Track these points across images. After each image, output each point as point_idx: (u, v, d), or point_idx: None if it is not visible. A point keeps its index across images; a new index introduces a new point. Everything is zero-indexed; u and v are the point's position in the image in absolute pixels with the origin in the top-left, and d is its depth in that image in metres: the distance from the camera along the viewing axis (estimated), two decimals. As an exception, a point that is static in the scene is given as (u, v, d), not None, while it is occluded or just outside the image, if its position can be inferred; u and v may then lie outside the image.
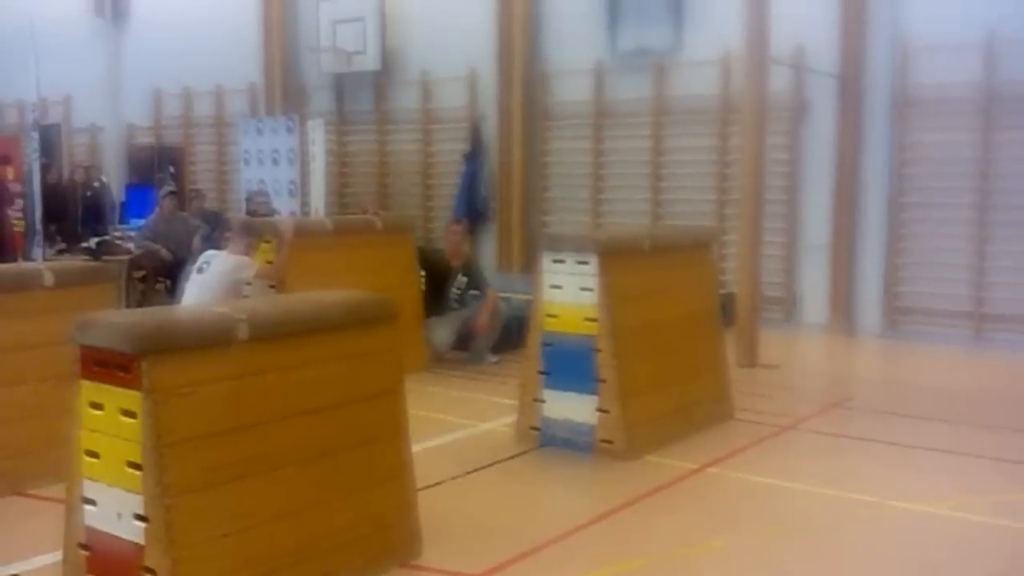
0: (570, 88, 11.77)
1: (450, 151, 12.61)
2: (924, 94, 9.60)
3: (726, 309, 7.88)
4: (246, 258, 6.74)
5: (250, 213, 10.42)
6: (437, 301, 8.23)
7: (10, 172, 12.53)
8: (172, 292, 10.33)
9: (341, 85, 13.60)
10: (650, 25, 11.10)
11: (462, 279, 8.32)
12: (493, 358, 8.20)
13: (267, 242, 7.14)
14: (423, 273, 8.32)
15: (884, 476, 5.32)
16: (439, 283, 8.27)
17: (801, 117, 10.31)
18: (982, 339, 9.44)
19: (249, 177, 13.19)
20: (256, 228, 7.22)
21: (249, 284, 6.98)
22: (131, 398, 3.19)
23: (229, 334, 3.40)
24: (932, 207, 9.71)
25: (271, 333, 3.54)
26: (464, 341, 8.31)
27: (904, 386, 7.89)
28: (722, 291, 8.12)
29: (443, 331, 8.18)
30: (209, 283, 6.54)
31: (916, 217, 9.82)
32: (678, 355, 6.17)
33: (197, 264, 6.81)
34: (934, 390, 7.59)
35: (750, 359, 8.19)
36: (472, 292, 8.32)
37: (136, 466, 3.19)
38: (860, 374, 8.75)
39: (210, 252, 6.88)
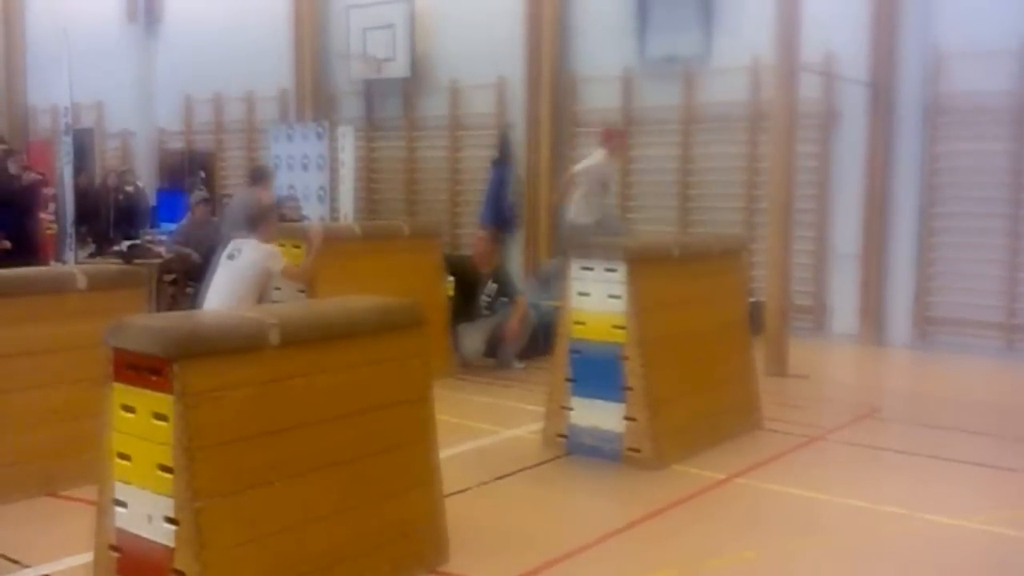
0: (599, 95, 11.76)
1: (478, 158, 12.62)
2: (956, 103, 9.51)
3: (755, 318, 7.84)
4: (276, 248, 6.81)
5: (279, 218, 10.48)
6: (467, 308, 8.24)
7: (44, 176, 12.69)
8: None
9: (371, 92, 13.67)
10: (679, 32, 11.07)
11: (492, 286, 8.33)
12: (520, 364, 8.20)
13: (296, 247, 7.20)
14: (452, 280, 8.33)
15: (915, 488, 5.26)
16: (469, 290, 8.29)
17: (831, 125, 10.24)
18: (1014, 350, 9.32)
19: (279, 183, 13.27)
20: (269, 210, 7.33)
21: (279, 288, 7.05)
22: (163, 401, 3.21)
23: (261, 339, 3.42)
24: (964, 217, 9.60)
25: (302, 338, 3.55)
26: (492, 347, 8.32)
27: (935, 398, 7.80)
28: (751, 299, 8.08)
29: (473, 338, 8.19)
30: (241, 271, 6.64)
31: (947, 227, 9.72)
32: (707, 364, 6.14)
33: (227, 251, 6.88)
34: (965, 402, 7.51)
35: (779, 368, 8.14)
36: (502, 299, 8.33)
37: (167, 469, 3.21)
38: (890, 385, 8.66)
39: (239, 240, 6.94)
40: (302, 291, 7.03)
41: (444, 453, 4.27)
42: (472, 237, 9.15)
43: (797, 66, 8.16)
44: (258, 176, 9.93)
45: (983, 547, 4.48)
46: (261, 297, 6.78)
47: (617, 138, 9.43)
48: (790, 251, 8.41)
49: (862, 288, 10.09)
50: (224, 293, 6.62)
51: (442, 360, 7.64)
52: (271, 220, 7.11)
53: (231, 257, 6.77)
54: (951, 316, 9.70)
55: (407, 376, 4.02)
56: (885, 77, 9.80)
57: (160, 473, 3.23)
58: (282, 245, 7.27)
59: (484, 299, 8.31)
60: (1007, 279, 9.36)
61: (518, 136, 12.26)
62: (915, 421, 6.90)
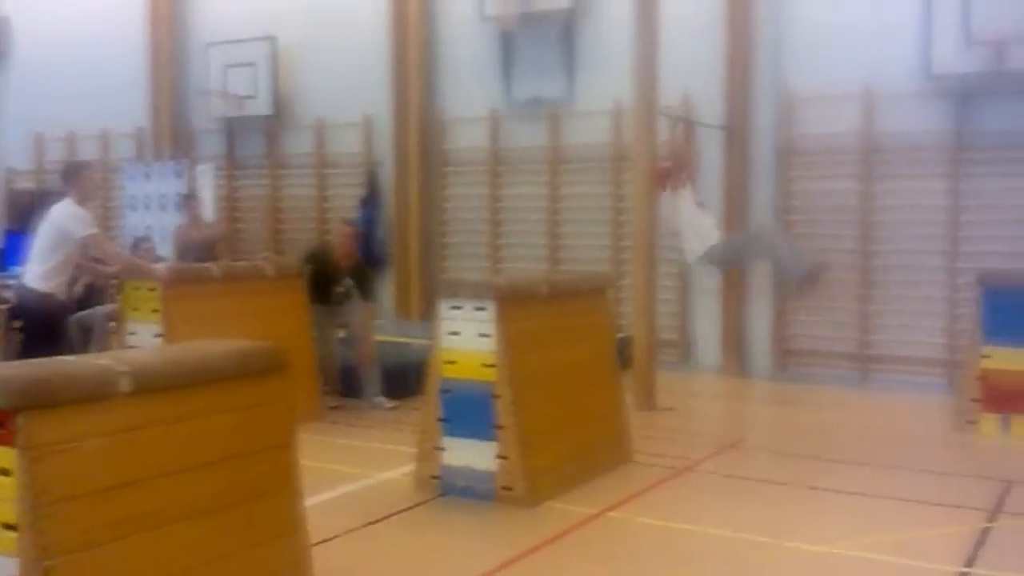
0: (467, 135, 11.85)
1: (346, 196, 12.50)
2: (807, 144, 9.97)
3: (623, 353, 7.96)
4: (83, 212, 6.63)
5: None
6: (322, 292, 8.13)
7: None
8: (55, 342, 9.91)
9: (232, 129, 13.39)
10: (543, 76, 11.29)
11: (349, 281, 8.24)
12: (389, 404, 8.08)
13: (152, 290, 6.94)
14: (310, 267, 8.16)
15: (780, 517, 5.40)
16: (325, 277, 8.15)
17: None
18: (868, 379, 9.77)
19: (135, 223, 12.83)
20: (83, 166, 7.18)
21: (134, 334, 6.80)
22: (6, 455, 3.00)
23: (111, 387, 3.23)
24: (817, 253, 10.02)
25: (155, 385, 3.38)
26: (352, 387, 8.19)
27: (796, 427, 8.08)
28: (619, 335, 8.20)
29: (326, 322, 8.15)
30: (47, 233, 6.61)
31: (802, 262, 10.13)
32: (577, 400, 6.17)
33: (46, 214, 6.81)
34: (825, 430, 7.80)
35: (648, 402, 8.27)
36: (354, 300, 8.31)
37: (12, 527, 2.99)
38: (753, 416, 8.93)
39: (59, 204, 6.80)
40: (159, 335, 6.76)
41: (312, 500, 4.13)
42: (335, 231, 8.91)
43: (655, 111, 8.40)
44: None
45: (848, 573, 4.60)
46: (73, 262, 6.84)
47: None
48: (655, 287, 8.59)
49: (724, 322, 10.40)
50: (33, 259, 6.64)
51: (309, 403, 7.46)
52: (86, 177, 6.85)
53: (44, 219, 6.70)
54: (808, 348, 10.10)
55: (269, 422, 3.88)
56: (740, 120, 10.20)
57: (4, 532, 3.01)
58: (136, 288, 7.03)
59: (338, 289, 8.20)
60: (859, 311, 9.82)
61: (387, 175, 12.21)
62: (778, 450, 7.11)
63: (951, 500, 5.69)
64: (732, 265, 8.51)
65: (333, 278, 8.18)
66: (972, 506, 5.53)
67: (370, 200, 12.14)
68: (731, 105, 10.25)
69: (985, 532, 5.08)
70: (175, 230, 11.23)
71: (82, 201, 6.70)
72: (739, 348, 10.34)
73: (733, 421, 8.44)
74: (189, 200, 11.27)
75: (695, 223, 7.91)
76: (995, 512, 5.44)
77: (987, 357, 7.46)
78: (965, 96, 9.30)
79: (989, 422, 7.42)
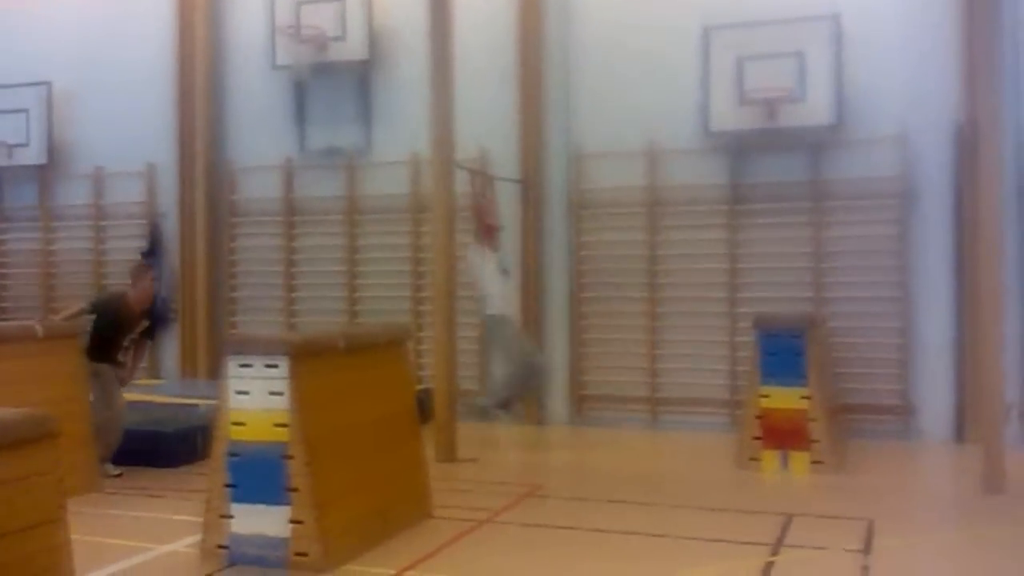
0: (258, 184, 11.54)
1: (126, 249, 11.82)
2: (596, 197, 10.34)
3: (424, 405, 7.88)
4: None
5: None
6: (106, 348, 7.66)
7: None
8: None
9: (0, 180, 12.45)
10: (339, 126, 11.20)
11: (144, 323, 7.88)
12: (114, 471, 7.57)
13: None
14: (95, 317, 7.68)
15: (577, 563, 5.44)
16: (115, 330, 7.69)
17: (487, 216, 10.71)
18: (658, 421, 10.13)
19: None
20: None
21: None
22: None
23: None
24: (608, 301, 10.38)
25: None
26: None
27: (590, 471, 8.25)
28: (420, 387, 8.12)
29: (109, 382, 7.66)
30: None
31: (595, 311, 10.45)
32: (375, 457, 6.02)
33: None
34: (617, 473, 7.99)
35: (448, 454, 8.21)
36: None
37: None
38: (550, 462, 9.04)
39: None
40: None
41: (83, 581, 3.78)
42: (138, 277, 8.14)
43: (452, 163, 8.46)
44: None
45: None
46: None
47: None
48: (455, 338, 8.59)
49: (522, 371, 10.51)
50: None
51: (84, 474, 6.92)
52: None
53: None
54: (602, 393, 10.37)
55: (36, 496, 3.54)
56: (534, 175, 10.45)
57: None
58: None
59: (128, 339, 7.80)
60: (648, 356, 10.18)
61: (171, 226, 11.68)
62: (576, 496, 7.20)
63: (737, 536, 5.92)
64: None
65: (126, 328, 7.75)
66: (756, 541, 5.77)
67: (152, 252, 11.54)
68: (525, 161, 10.49)
69: (769, 566, 5.31)
70: None
71: None
72: (538, 394, 10.46)
73: (531, 469, 8.51)
74: None
75: (500, 286, 8.98)
76: (777, 545, 5.71)
77: (765, 396, 7.90)
78: (739, 151, 9.93)
79: (770, 459, 7.84)
